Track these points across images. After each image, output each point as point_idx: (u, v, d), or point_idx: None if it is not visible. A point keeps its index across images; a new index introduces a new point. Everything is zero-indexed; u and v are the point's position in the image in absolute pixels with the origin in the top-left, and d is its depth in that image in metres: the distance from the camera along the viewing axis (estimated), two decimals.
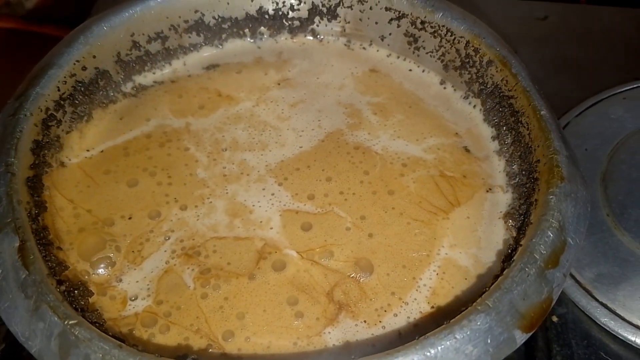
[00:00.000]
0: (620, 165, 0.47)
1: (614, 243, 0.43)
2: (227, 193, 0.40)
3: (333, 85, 0.47)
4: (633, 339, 0.40)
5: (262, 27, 0.49)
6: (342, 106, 0.45)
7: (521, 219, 0.35)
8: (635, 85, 0.54)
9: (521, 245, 0.31)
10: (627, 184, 0.46)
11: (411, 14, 0.46)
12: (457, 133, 0.43)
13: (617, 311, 0.41)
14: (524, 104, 0.39)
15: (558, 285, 0.30)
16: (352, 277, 0.35)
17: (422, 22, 0.46)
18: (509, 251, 0.34)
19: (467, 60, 0.44)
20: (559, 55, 0.60)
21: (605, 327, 0.40)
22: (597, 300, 0.41)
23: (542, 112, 0.37)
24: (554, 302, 0.30)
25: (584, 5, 0.68)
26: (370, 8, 0.47)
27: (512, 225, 0.36)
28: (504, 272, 0.30)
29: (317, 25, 0.49)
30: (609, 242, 0.43)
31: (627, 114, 0.51)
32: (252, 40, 0.49)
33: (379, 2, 0.47)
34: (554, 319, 0.42)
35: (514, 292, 0.29)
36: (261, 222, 0.38)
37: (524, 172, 0.37)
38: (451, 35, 0.45)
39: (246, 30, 0.49)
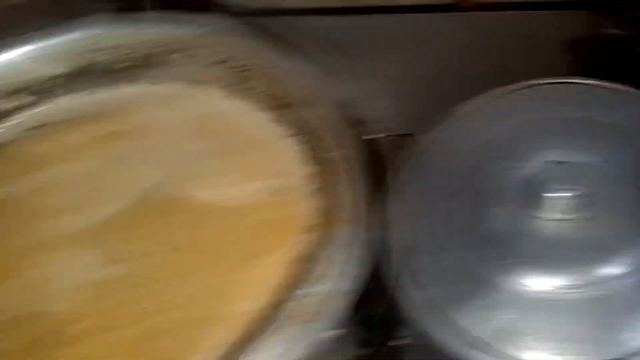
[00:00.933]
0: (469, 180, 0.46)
1: (455, 261, 0.42)
2: (31, 265, 0.38)
3: (166, 132, 0.45)
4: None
5: (93, 79, 0.48)
6: (174, 152, 0.44)
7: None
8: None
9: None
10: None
11: (235, 57, 0.46)
12: (279, 174, 0.42)
13: (457, 330, 0.39)
14: (331, 144, 0.38)
15: (322, 336, 0.29)
16: (143, 345, 0.34)
17: (245, 65, 0.45)
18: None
19: (290, 100, 0.43)
20: (418, 71, 0.58)
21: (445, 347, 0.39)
22: (437, 319, 0.40)
23: (341, 152, 0.37)
24: (320, 353, 0.29)
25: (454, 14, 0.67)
26: (197, 53, 0.47)
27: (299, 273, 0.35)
28: (262, 329, 0.29)
29: (150, 72, 0.48)
30: (450, 260, 0.42)
31: (478, 125, 0.50)
32: (85, 93, 0.48)
33: (205, 46, 0.46)
34: (393, 343, 0.40)
35: (272, 350, 0.28)
36: (57, 294, 0.36)
37: (323, 215, 0.36)
38: (275, 75, 0.44)
39: (76, 85, 0.48)
